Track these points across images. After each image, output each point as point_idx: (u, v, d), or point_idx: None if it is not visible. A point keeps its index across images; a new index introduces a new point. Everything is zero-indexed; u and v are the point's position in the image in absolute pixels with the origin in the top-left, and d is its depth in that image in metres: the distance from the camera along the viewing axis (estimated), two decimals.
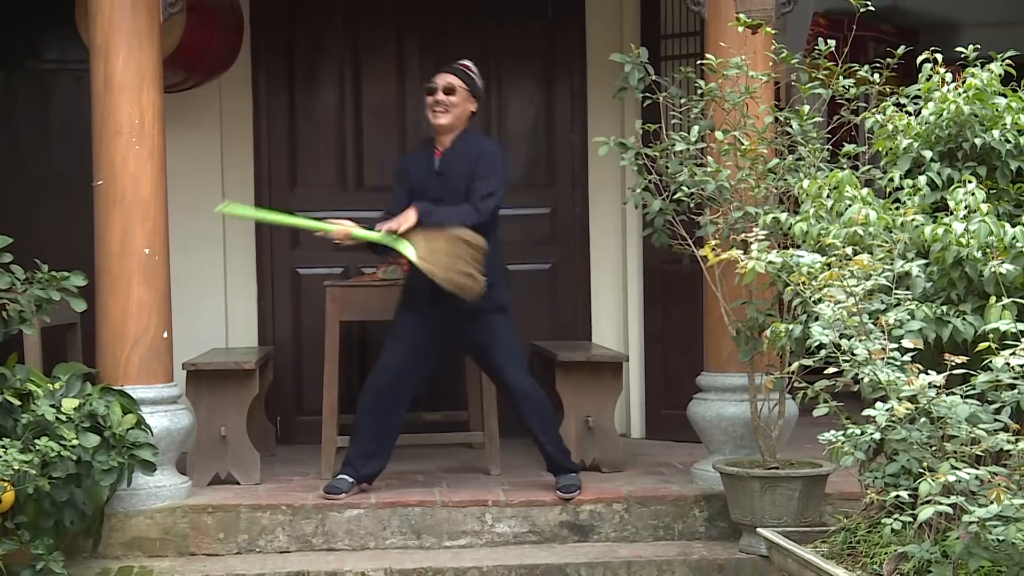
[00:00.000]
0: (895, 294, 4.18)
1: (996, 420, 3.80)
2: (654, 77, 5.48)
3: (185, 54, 6.30)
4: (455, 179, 5.61)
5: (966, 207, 4.19)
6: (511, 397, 5.67)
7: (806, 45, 7.41)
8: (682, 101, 5.46)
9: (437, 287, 5.42)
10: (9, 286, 4.95)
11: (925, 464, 3.81)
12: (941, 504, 3.54)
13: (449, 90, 5.64)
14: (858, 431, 3.92)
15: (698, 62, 5.59)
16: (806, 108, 5.28)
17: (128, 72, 5.49)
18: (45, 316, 5.09)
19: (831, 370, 4.02)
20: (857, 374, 3.92)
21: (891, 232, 4.34)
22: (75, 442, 4.93)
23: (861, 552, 4.16)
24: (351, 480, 5.63)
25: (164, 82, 5.69)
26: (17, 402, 4.93)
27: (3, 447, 4.74)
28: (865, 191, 4.53)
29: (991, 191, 4.48)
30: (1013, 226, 4.14)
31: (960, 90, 4.58)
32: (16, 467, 4.67)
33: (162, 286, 5.59)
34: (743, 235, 4.95)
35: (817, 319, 4.13)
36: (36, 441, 4.83)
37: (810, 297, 4.21)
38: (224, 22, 6.73)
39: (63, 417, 4.97)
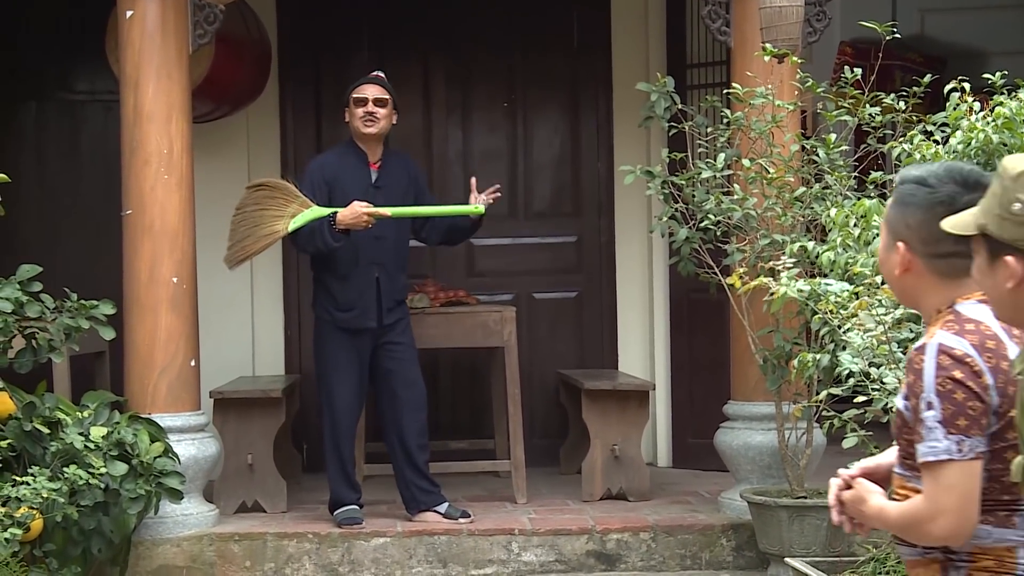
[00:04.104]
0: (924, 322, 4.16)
1: None
2: (680, 106, 5.49)
3: (213, 85, 6.34)
4: (395, 194, 5.70)
5: None
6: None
7: (833, 74, 7.41)
8: (708, 130, 5.46)
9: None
10: (39, 315, 4.98)
11: None
12: None
13: (380, 102, 5.69)
14: None
15: (724, 91, 5.60)
16: (833, 136, 5.27)
17: (157, 103, 5.53)
18: (74, 344, 5.12)
19: (860, 399, 4.00)
20: (887, 403, 3.90)
21: None
22: (103, 470, 4.95)
23: None
24: (360, 506, 5.67)
25: (192, 112, 5.74)
26: (46, 430, 4.95)
27: (32, 475, 4.76)
28: None
29: None
30: None
31: (988, 119, 4.56)
32: (45, 495, 4.69)
33: (190, 314, 5.61)
34: (771, 263, 4.94)
35: (845, 348, 4.11)
36: (64, 469, 4.84)
37: (839, 326, 4.19)
38: (252, 53, 6.78)
39: (91, 445, 4.99)
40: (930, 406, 2.29)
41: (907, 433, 2.38)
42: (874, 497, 2.42)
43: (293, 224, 5.54)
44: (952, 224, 2.24)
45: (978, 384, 2.30)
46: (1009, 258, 2.16)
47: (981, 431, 2.29)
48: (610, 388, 6.22)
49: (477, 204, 5.70)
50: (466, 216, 5.75)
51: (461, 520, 5.60)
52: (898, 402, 2.40)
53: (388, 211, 5.57)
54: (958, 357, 2.31)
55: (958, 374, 2.30)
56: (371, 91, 5.70)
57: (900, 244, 2.42)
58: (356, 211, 5.51)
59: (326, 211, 5.55)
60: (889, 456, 2.53)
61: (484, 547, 5.50)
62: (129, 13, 5.55)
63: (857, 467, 2.50)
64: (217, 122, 6.90)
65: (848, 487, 2.46)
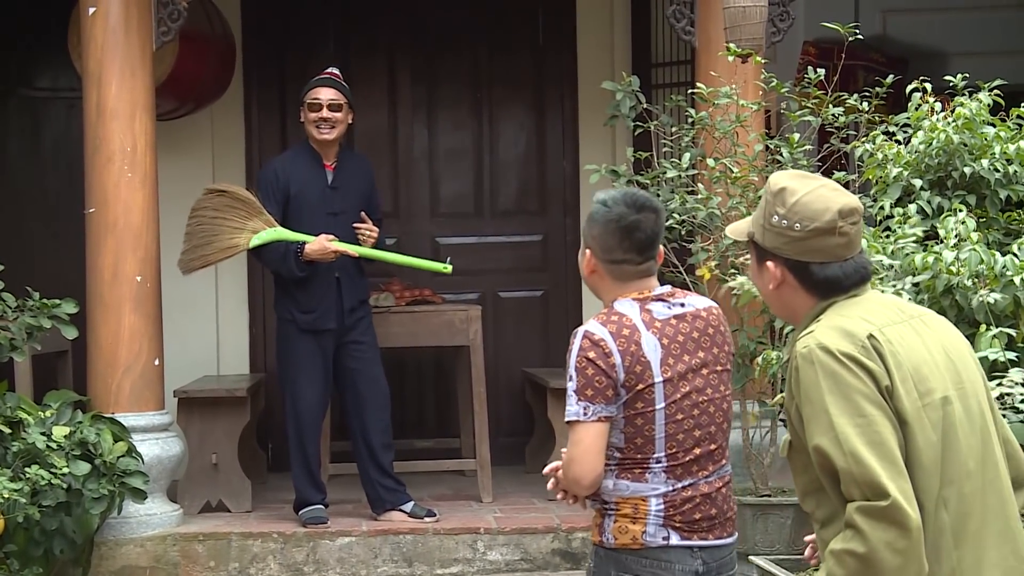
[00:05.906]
0: None
1: None
2: (645, 105, 5.51)
3: (177, 82, 6.30)
4: (352, 194, 5.71)
5: (956, 235, 4.21)
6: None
7: (796, 74, 7.45)
8: (673, 129, 5.48)
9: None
10: (0, 313, 4.94)
11: None
12: None
13: (335, 107, 5.66)
14: None
15: (689, 90, 5.61)
16: (796, 136, 5.30)
17: (120, 100, 5.50)
18: (36, 343, 5.09)
19: None
20: None
21: (882, 260, 4.36)
22: (65, 470, 4.92)
23: None
24: (326, 506, 5.65)
25: (156, 110, 5.71)
26: (7, 430, 4.92)
27: None
28: None
29: (980, 219, 4.50)
30: (1003, 255, 4.16)
31: (949, 119, 4.60)
32: (6, 495, 4.66)
33: (154, 313, 5.58)
34: (741, 258, 4.97)
35: None
36: (26, 469, 4.81)
37: None
38: (216, 50, 6.75)
39: (53, 445, 4.96)
40: (571, 378, 2.91)
41: None
42: None
43: (255, 240, 5.54)
44: (730, 231, 2.61)
45: (606, 363, 2.88)
46: (770, 263, 2.46)
47: (606, 400, 2.89)
48: None
49: (446, 264, 5.75)
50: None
51: (426, 519, 5.60)
52: None
53: (355, 251, 5.58)
54: (595, 341, 2.90)
55: (592, 354, 2.89)
56: (325, 95, 5.66)
57: (587, 251, 3.01)
58: (324, 247, 5.52)
59: (291, 235, 5.54)
60: None
61: (450, 546, 5.50)
62: (92, 9, 5.52)
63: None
64: (181, 120, 6.87)
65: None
